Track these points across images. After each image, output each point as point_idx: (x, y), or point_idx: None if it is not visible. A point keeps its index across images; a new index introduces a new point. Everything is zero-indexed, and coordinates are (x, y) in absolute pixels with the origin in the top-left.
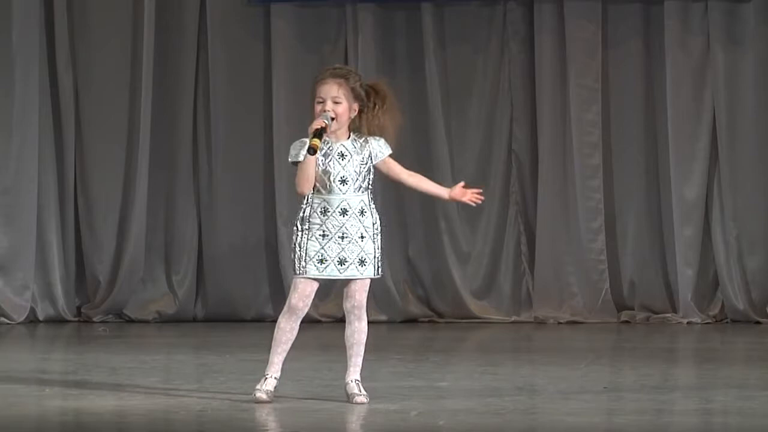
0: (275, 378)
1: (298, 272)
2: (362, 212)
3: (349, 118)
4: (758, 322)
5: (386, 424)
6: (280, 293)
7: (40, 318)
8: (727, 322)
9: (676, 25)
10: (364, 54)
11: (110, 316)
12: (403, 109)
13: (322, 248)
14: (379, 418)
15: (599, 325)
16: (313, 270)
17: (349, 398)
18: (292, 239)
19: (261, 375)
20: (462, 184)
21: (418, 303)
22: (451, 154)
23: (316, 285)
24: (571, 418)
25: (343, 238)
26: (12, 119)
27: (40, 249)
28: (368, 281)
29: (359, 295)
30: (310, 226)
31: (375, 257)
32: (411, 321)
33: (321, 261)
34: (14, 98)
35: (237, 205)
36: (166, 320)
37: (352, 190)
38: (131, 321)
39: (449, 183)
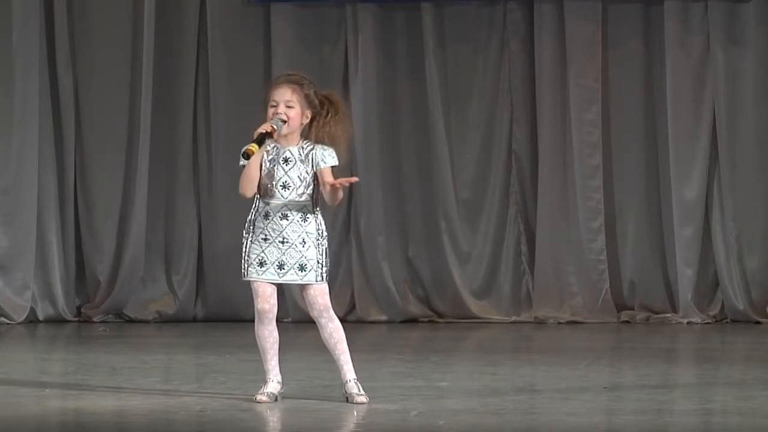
0: (278, 382)
1: (243, 275)
2: (305, 218)
3: (301, 124)
4: (758, 322)
5: (386, 424)
6: (279, 293)
7: (40, 318)
8: (727, 322)
9: (676, 25)
10: (364, 54)
11: (110, 316)
12: (394, 111)
13: (263, 251)
14: (379, 418)
15: (599, 325)
16: (253, 273)
17: (348, 399)
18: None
19: (261, 376)
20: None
21: (418, 303)
22: (451, 154)
23: (272, 286)
24: (571, 418)
25: (283, 242)
26: (12, 119)
27: (40, 249)
28: (324, 285)
29: (321, 299)
30: (254, 230)
31: (318, 263)
32: (411, 321)
33: (260, 264)
34: (14, 98)
35: (237, 205)
36: (166, 320)
37: (295, 196)
38: (131, 321)
39: (449, 183)
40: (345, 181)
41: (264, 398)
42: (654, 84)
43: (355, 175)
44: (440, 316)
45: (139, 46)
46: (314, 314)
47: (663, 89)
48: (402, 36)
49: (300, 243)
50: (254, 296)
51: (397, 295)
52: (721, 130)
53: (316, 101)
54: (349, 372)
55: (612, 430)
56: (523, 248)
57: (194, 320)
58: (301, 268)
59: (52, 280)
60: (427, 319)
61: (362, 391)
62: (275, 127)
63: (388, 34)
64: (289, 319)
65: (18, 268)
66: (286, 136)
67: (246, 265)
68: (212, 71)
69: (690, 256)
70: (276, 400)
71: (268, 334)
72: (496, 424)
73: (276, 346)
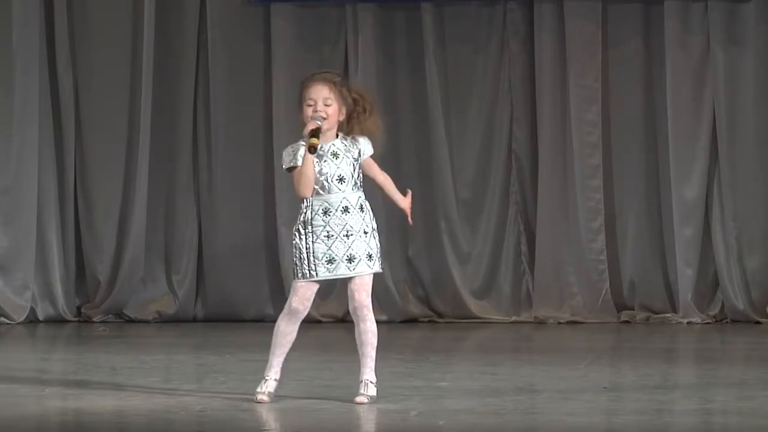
0: (275, 380)
1: (307, 275)
2: (362, 208)
3: (338, 120)
4: (758, 322)
5: (386, 424)
6: (280, 293)
7: (40, 318)
8: (727, 322)
9: (676, 25)
10: (364, 54)
11: (110, 316)
12: (394, 111)
13: (329, 249)
14: (379, 418)
15: (599, 325)
16: (323, 271)
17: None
18: (294, 243)
19: (261, 376)
20: (410, 193)
21: (418, 303)
22: (451, 154)
23: (316, 287)
24: (571, 418)
25: (348, 236)
26: (12, 119)
27: (40, 249)
28: (367, 281)
29: (358, 294)
30: (314, 229)
31: (378, 252)
32: (411, 321)
33: (330, 261)
34: (14, 98)
35: (237, 205)
36: (166, 320)
37: (350, 188)
38: (131, 321)
39: (449, 183)
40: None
41: (265, 398)
42: (654, 84)
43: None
44: (440, 316)
45: (139, 46)
46: (351, 308)
47: (663, 89)
48: (402, 36)
49: (363, 233)
50: (292, 293)
51: (397, 295)
52: (721, 130)
53: (350, 98)
54: (364, 373)
55: (612, 430)
56: (523, 248)
57: (194, 320)
58: (369, 257)
59: (52, 280)
60: (427, 319)
61: (368, 392)
62: (319, 123)
63: (388, 34)
64: None
65: (18, 268)
66: (325, 132)
67: (311, 265)
68: (212, 71)
69: (690, 256)
70: (272, 397)
71: (289, 332)
72: (496, 424)
73: (288, 347)
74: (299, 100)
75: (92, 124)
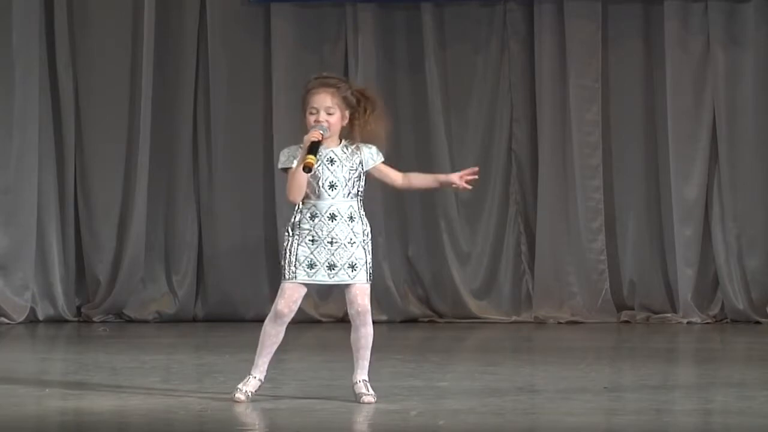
0: (259, 380)
1: (287, 277)
2: (351, 218)
3: (342, 126)
4: (758, 322)
5: (386, 424)
6: None
7: (40, 318)
8: (727, 322)
9: (676, 25)
10: (364, 54)
11: (110, 316)
12: (394, 111)
13: (312, 253)
14: (379, 418)
15: (599, 325)
16: (302, 275)
17: (356, 398)
18: (283, 245)
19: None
20: (461, 173)
21: (418, 303)
22: (451, 154)
23: (303, 290)
24: (571, 418)
25: (332, 243)
26: (12, 119)
27: (40, 249)
28: (366, 287)
29: (360, 299)
30: (300, 232)
31: (366, 263)
32: (411, 321)
33: (310, 266)
34: (14, 98)
35: (237, 205)
36: (166, 320)
37: (341, 196)
38: (131, 321)
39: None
40: (470, 178)
41: (242, 397)
42: (654, 84)
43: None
44: (440, 316)
45: (139, 46)
46: (351, 313)
47: (663, 89)
48: (402, 36)
49: (348, 243)
50: (279, 295)
51: (397, 295)
52: (721, 130)
53: (354, 101)
54: (360, 374)
55: (612, 430)
56: (523, 248)
57: (194, 320)
58: (352, 267)
59: (52, 280)
60: (427, 319)
61: (370, 391)
62: (322, 132)
63: (388, 34)
64: None
65: (18, 268)
66: (326, 138)
67: (293, 267)
68: (212, 71)
69: (690, 256)
70: (249, 398)
71: (275, 334)
72: (496, 424)
73: (275, 348)
74: (303, 105)
75: (92, 124)
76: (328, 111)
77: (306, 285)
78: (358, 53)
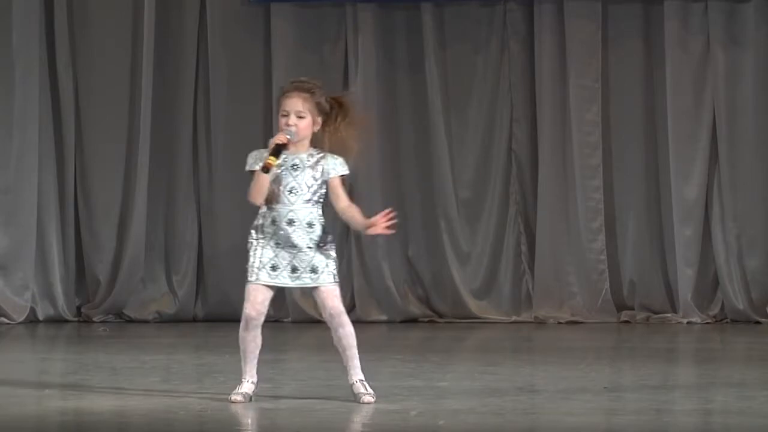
0: (252, 382)
1: (250, 279)
2: (310, 224)
3: (312, 132)
4: (758, 322)
5: (386, 424)
6: (279, 293)
7: (40, 318)
8: (727, 322)
9: (676, 25)
10: (364, 54)
11: (110, 316)
12: (394, 111)
13: (276, 256)
14: (379, 418)
15: (599, 325)
16: (265, 276)
17: (356, 398)
18: (247, 248)
19: (260, 376)
20: (378, 216)
21: (418, 303)
22: (451, 154)
23: (269, 293)
24: (571, 418)
25: (293, 247)
26: (12, 119)
27: (40, 249)
28: (332, 288)
29: (330, 301)
30: (264, 235)
31: (327, 265)
32: (411, 321)
33: (273, 268)
34: (14, 98)
35: (237, 205)
36: (166, 320)
37: (301, 202)
38: (131, 321)
39: (449, 183)
40: (388, 223)
41: (239, 398)
42: (654, 84)
43: (355, 176)
44: (440, 316)
45: (139, 46)
46: (325, 316)
47: (663, 89)
48: (402, 36)
49: (307, 248)
50: (245, 300)
51: (397, 295)
52: (721, 130)
53: (328, 107)
54: (355, 374)
55: (612, 430)
56: (523, 248)
57: (194, 320)
58: (313, 270)
59: (52, 280)
60: (427, 319)
61: (369, 390)
62: (289, 137)
63: (388, 34)
64: (289, 319)
65: (18, 268)
66: (296, 143)
67: (256, 269)
68: (212, 71)
69: (690, 256)
70: (250, 399)
71: (251, 339)
72: (496, 424)
73: (257, 351)
74: (278, 107)
75: (92, 124)
76: (298, 114)
77: (270, 287)
78: (358, 53)
